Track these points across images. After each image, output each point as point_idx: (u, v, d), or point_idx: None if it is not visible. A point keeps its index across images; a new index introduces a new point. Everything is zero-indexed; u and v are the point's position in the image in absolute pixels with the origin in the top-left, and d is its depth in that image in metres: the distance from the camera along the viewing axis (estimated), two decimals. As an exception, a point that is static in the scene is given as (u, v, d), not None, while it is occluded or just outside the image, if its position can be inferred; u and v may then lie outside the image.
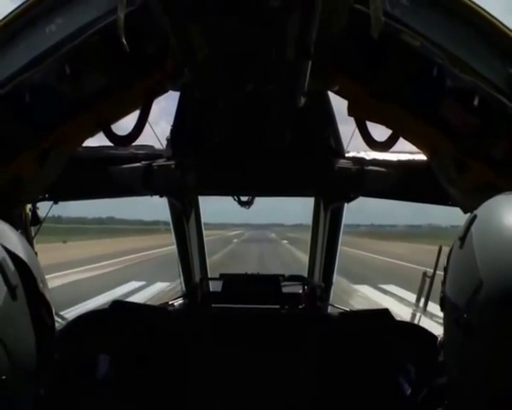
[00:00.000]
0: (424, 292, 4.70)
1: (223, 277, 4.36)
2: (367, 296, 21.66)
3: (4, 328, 1.54)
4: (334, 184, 3.47)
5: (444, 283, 1.81)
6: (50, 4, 2.09)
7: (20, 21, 2.10)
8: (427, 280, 4.65)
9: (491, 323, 1.57)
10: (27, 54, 2.11)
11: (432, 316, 4.38)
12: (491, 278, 1.57)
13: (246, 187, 3.79)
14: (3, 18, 2.12)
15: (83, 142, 2.74)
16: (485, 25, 2.02)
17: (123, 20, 1.85)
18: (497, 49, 2.03)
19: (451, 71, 2.02)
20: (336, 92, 2.70)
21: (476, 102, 2.09)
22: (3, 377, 1.53)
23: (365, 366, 3.68)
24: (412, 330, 3.84)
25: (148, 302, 4.97)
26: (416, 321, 4.37)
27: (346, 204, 4.33)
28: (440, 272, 1.95)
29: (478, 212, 1.73)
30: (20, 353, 1.60)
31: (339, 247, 4.64)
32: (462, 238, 1.71)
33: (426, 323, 4.24)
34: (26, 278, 1.65)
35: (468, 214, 1.81)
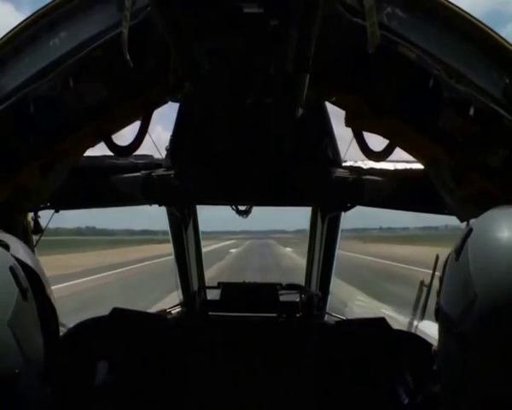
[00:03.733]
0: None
1: (221, 285, 4.38)
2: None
3: (17, 325, 1.62)
4: (332, 193, 3.49)
5: (439, 294, 1.81)
6: (54, 18, 2.13)
7: (24, 35, 2.15)
8: (425, 289, 4.67)
9: (485, 336, 1.59)
10: (32, 67, 2.15)
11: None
12: (486, 292, 1.58)
13: (244, 197, 3.82)
14: (8, 32, 2.17)
15: (85, 152, 2.78)
16: (481, 36, 2.06)
17: (127, 35, 1.88)
18: (493, 59, 2.06)
19: (448, 82, 2.06)
20: (334, 103, 2.74)
21: (472, 112, 2.12)
22: (17, 371, 1.61)
23: (362, 374, 3.70)
24: (409, 339, 3.86)
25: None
26: (412, 330, 4.38)
27: (343, 213, 4.37)
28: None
29: (474, 225, 1.74)
30: (30, 349, 1.68)
31: (336, 256, 4.67)
32: (458, 251, 1.72)
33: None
34: (35, 283, 1.76)
35: (465, 223, 1.83)
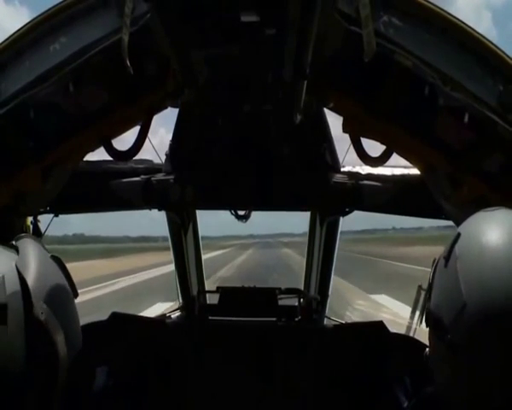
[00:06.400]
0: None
1: (220, 290, 4.40)
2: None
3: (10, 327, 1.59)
4: (330, 198, 3.52)
5: (428, 299, 1.79)
6: (54, 23, 2.15)
7: (25, 40, 2.17)
8: (423, 293, 4.67)
9: (474, 343, 1.58)
10: (32, 71, 2.16)
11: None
12: (474, 299, 1.57)
13: (243, 201, 3.85)
14: (9, 36, 2.19)
15: (84, 156, 2.80)
16: (475, 44, 2.08)
17: (127, 42, 1.90)
18: (488, 67, 2.08)
19: (443, 89, 2.08)
20: (332, 109, 2.76)
21: (468, 119, 2.15)
22: (10, 369, 1.57)
23: (362, 378, 3.71)
24: (407, 343, 3.88)
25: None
26: (411, 333, 4.40)
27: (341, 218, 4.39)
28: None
29: (461, 230, 1.71)
30: (7, 380, 1.61)
31: (334, 260, 4.69)
32: (447, 257, 1.69)
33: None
34: (25, 301, 1.66)
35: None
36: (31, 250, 1.75)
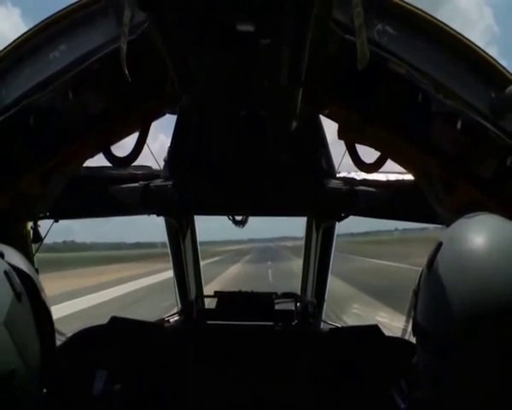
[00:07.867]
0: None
1: (217, 294, 4.43)
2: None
3: (12, 325, 1.67)
4: (326, 203, 3.54)
5: (415, 307, 1.80)
6: (54, 32, 2.20)
7: (25, 47, 2.21)
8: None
9: (458, 352, 1.59)
10: (32, 79, 2.20)
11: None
12: (456, 307, 1.58)
13: (241, 207, 3.87)
14: (9, 44, 2.23)
15: (84, 162, 2.84)
16: (468, 52, 2.13)
17: (125, 50, 1.94)
18: (480, 75, 2.13)
19: (436, 96, 2.12)
20: (327, 116, 2.80)
21: (460, 125, 2.19)
22: (12, 367, 1.65)
23: (358, 381, 3.73)
24: (402, 345, 3.90)
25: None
26: (406, 336, 4.42)
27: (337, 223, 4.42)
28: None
29: (443, 238, 1.72)
30: (26, 349, 1.73)
31: (330, 264, 4.72)
32: (429, 265, 1.70)
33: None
34: (30, 288, 1.81)
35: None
36: (8, 248, 1.87)
